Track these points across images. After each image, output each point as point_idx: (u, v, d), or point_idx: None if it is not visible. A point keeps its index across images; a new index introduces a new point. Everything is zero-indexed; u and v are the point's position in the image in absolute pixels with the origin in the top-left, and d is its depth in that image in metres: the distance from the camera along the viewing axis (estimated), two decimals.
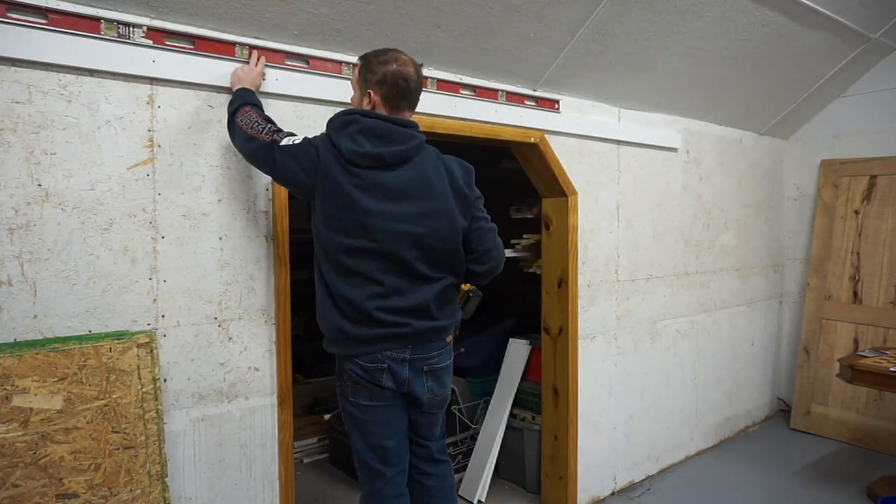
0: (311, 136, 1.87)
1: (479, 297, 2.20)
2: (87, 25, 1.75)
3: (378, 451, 1.98)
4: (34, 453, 1.67)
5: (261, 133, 1.81)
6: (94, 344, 1.75)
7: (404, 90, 1.87)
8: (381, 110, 1.86)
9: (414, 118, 1.98)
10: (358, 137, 1.80)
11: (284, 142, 1.80)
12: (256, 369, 2.11)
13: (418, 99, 1.95)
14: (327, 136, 1.83)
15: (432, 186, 1.87)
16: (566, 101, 3.02)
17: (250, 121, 1.84)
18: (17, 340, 1.69)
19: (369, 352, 1.86)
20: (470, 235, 1.95)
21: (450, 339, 2.02)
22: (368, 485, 2.03)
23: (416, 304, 1.87)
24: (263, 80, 2.06)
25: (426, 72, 2.50)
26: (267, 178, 2.12)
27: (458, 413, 3.76)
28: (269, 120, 1.88)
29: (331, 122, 1.86)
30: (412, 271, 1.86)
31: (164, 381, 1.93)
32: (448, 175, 1.91)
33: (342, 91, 2.26)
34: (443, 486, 2.16)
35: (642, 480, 3.51)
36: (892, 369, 3.00)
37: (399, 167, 1.83)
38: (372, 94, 1.86)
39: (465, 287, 2.14)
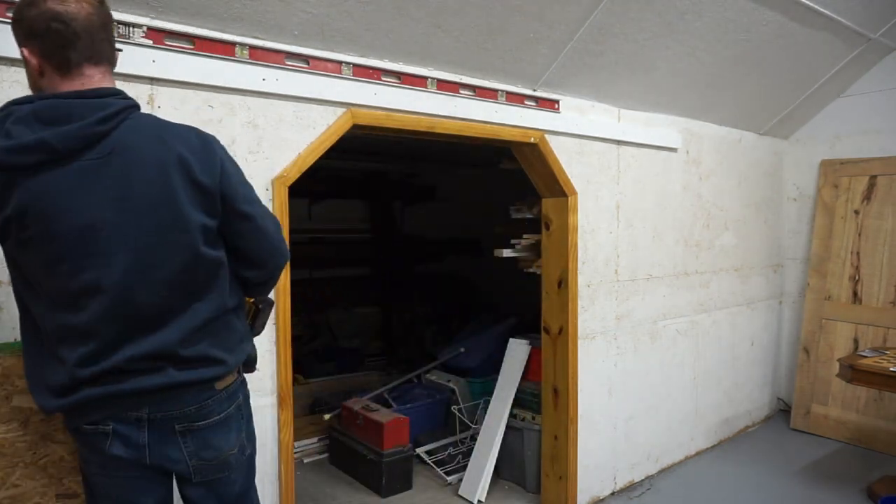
0: None
1: (270, 305, 1.72)
2: None
3: None
4: (34, 453, 1.67)
5: None
6: None
7: (64, 36, 1.26)
8: (52, 80, 1.30)
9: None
10: (14, 129, 1.24)
11: None
12: (256, 369, 2.11)
13: (103, 44, 1.34)
14: None
15: (143, 172, 1.30)
16: (566, 101, 3.02)
17: None
18: (18, 340, 1.69)
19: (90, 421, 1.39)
20: (228, 234, 1.44)
21: (226, 383, 1.50)
22: None
23: (149, 352, 1.35)
24: None
25: (426, 72, 2.50)
26: (267, 178, 2.12)
27: (458, 413, 3.77)
28: None
29: None
30: (133, 306, 1.31)
31: None
32: (171, 155, 1.33)
33: (343, 91, 2.26)
34: None
35: (642, 480, 3.51)
36: (892, 369, 3.00)
37: (81, 156, 1.26)
38: (26, 54, 1.29)
39: (250, 299, 1.65)
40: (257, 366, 2.14)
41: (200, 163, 1.35)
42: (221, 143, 1.45)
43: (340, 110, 2.28)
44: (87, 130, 1.26)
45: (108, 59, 1.37)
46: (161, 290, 1.35)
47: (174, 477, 1.56)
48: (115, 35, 1.78)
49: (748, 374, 4.32)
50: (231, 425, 1.52)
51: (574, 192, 3.03)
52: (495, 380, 3.56)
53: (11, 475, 1.64)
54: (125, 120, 1.31)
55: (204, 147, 1.38)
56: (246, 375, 1.65)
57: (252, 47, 2.06)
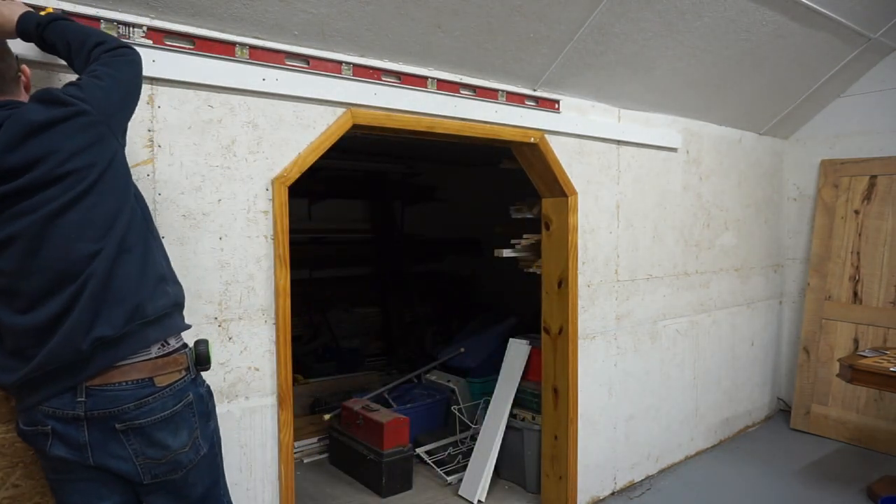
0: None
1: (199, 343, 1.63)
2: (87, 25, 1.75)
3: None
4: (34, 453, 1.67)
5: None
6: None
7: None
8: None
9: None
10: None
11: None
12: (256, 369, 2.11)
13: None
14: None
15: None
16: (566, 101, 3.02)
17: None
18: None
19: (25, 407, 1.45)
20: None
21: (170, 381, 1.49)
22: None
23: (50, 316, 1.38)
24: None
25: (426, 72, 2.50)
26: (267, 178, 2.12)
27: (458, 413, 3.77)
28: None
29: None
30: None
31: None
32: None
33: (343, 91, 2.26)
34: None
35: (642, 480, 3.51)
36: (892, 369, 3.00)
37: None
38: None
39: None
40: (257, 365, 2.14)
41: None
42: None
43: (340, 110, 2.28)
44: None
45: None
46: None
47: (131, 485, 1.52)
48: (115, 35, 1.79)
49: (748, 374, 4.32)
50: (179, 423, 1.49)
51: (574, 192, 3.03)
52: (495, 380, 3.56)
53: (11, 475, 1.64)
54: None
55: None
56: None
57: (252, 47, 2.06)
